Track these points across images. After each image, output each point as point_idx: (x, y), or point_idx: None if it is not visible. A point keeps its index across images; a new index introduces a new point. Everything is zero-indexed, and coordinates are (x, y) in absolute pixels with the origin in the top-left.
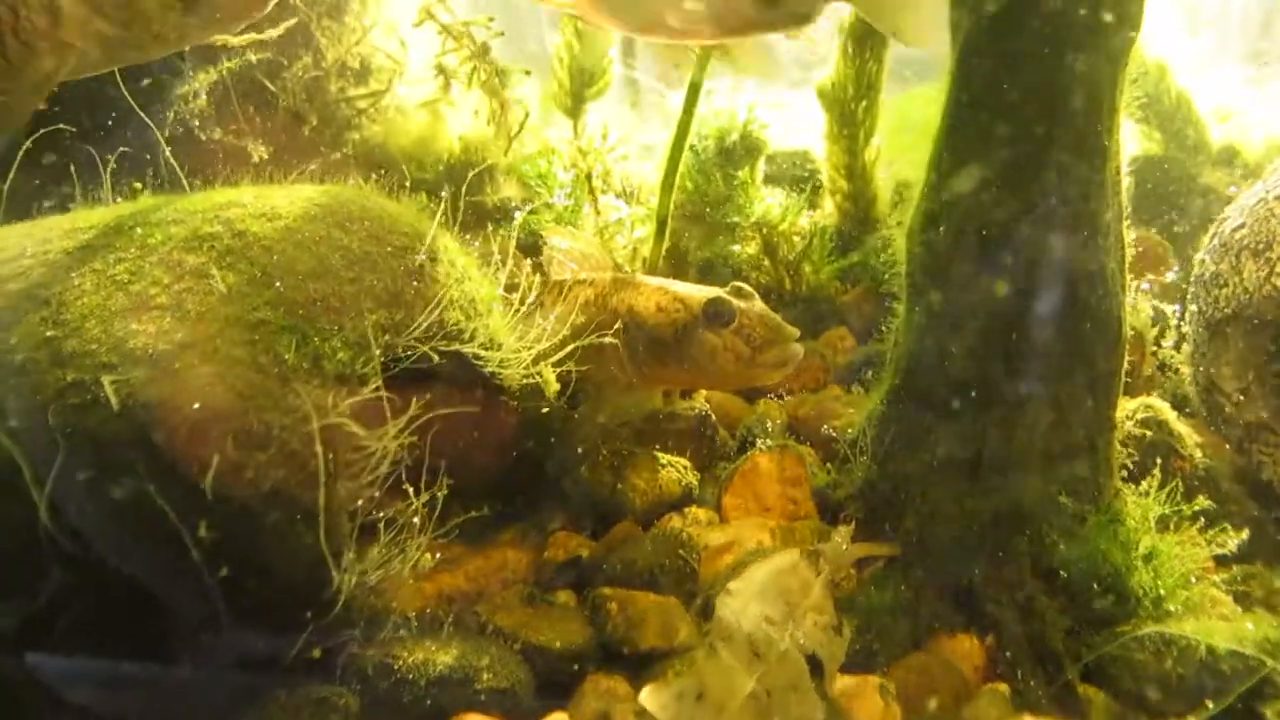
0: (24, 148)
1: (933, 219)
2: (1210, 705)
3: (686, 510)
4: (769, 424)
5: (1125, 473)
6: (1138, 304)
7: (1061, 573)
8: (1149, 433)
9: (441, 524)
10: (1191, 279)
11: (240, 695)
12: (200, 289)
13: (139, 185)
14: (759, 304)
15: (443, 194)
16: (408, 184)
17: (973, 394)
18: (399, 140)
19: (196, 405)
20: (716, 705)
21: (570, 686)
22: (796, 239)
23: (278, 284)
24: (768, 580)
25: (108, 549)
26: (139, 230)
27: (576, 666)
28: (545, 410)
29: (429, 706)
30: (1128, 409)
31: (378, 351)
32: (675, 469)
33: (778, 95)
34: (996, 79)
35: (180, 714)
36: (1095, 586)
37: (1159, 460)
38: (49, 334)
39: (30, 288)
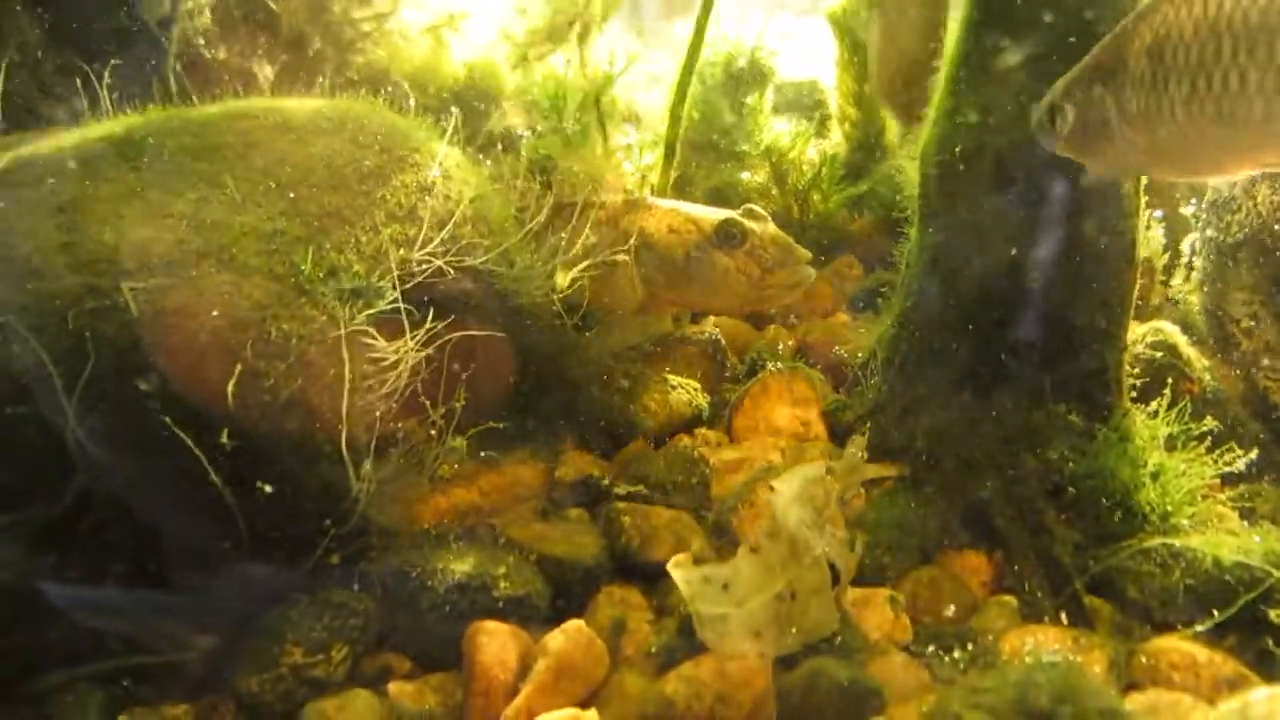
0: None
1: (947, 142)
2: (1216, 615)
3: (697, 431)
4: (779, 347)
5: (1134, 394)
6: (1150, 231)
7: (1070, 489)
8: (1158, 355)
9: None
10: (1204, 204)
11: (260, 600)
12: (215, 198)
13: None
14: (771, 226)
15: (453, 110)
16: (413, 103)
17: (983, 315)
18: (403, 65)
19: (215, 313)
20: (739, 598)
21: (585, 597)
22: (805, 167)
23: (291, 195)
24: (802, 487)
25: (127, 454)
26: (151, 140)
27: (590, 578)
28: (557, 329)
29: (447, 612)
30: (1138, 332)
31: (393, 265)
32: (686, 391)
33: (785, 24)
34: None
35: (201, 618)
36: (1103, 502)
37: (1168, 382)
38: (66, 240)
39: (45, 195)
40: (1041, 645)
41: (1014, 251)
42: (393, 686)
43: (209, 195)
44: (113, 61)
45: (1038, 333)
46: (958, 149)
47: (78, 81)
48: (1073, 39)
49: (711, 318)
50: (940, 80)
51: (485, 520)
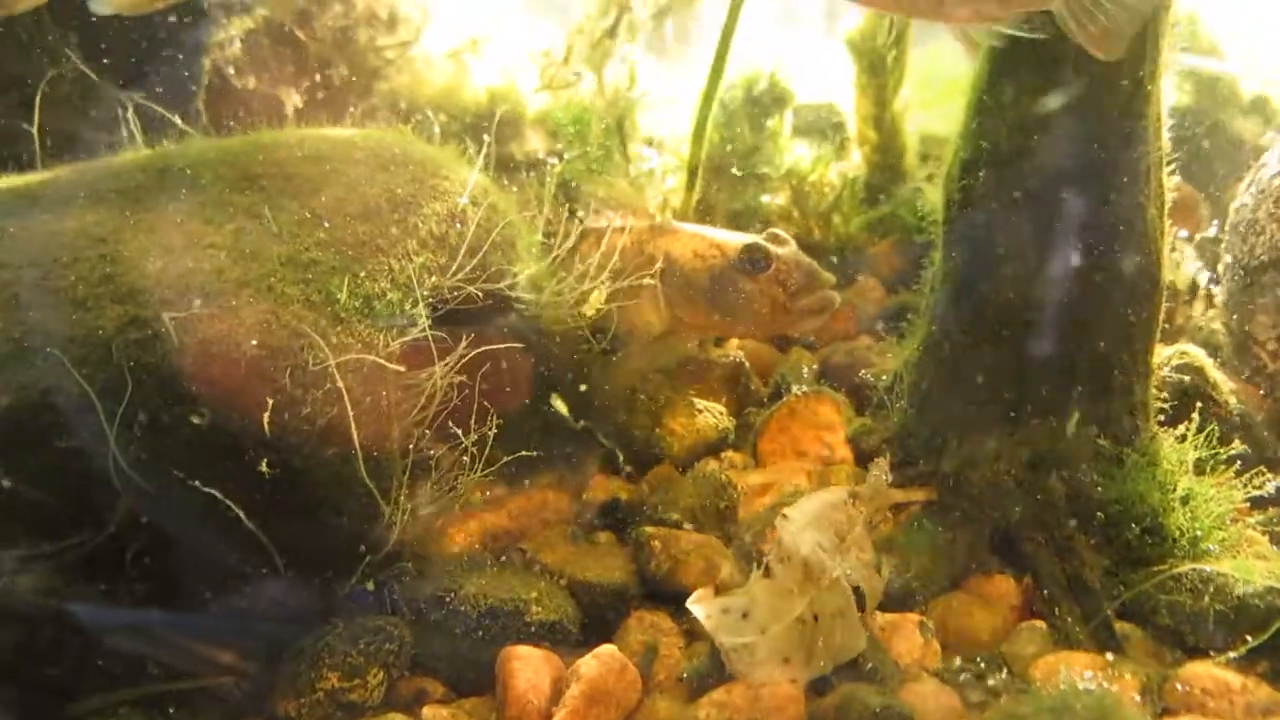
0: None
1: (971, 165)
2: (1250, 640)
3: (723, 454)
4: (804, 371)
5: (1161, 417)
6: (1176, 253)
7: (1099, 514)
8: (1185, 379)
9: (488, 464)
10: (1227, 226)
11: (299, 624)
12: (252, 228)
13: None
14: (795, 250)
15: (485, 138)
16: (438, 132)
17: (1010, 339)
18: (425, 90)
19: (254, 342)
20: (760, 624)
21: (615, 621)
22: (826, 190)
23: (327, 224)
24: (819, 511)
25: (169, 482)
26: (189, 170)
27: (620, 602)
28: (584, 354)
29: (480, 637)
30: (1163, 355)
31: (425, 293)
32: (711, 414)
33: (799, 47)
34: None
35: (242, 643)
36: (1133, 527)
37: (1196, 406)
38: (108, 270)
39: (86, 226)
40: (1075, 671)
41: (1039, 276)
42: (427, 711)
43: (247, 225)
44: (147, 91)
45: (1064, 357)
46: (981, 174)
47: (117, 111)
48: (1097, 60)
49: (734, 341)
50: (965, 104)
51: (514, 544)
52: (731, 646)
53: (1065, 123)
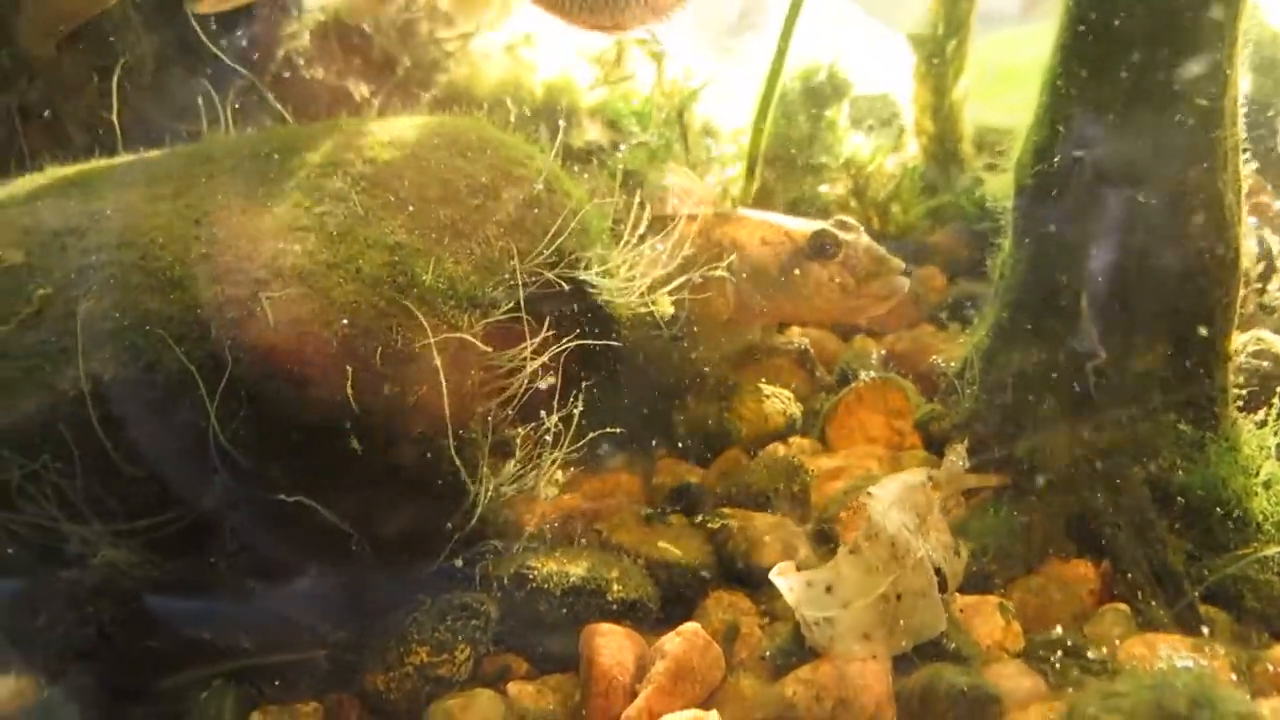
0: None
1: (1045, 150)
2: None
3: (791, 440)
4: (871, 357)
5: (1239, 403)
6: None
7: (1179, 498)
8: (1263, 365)
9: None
10: None
11: (388, 599)
12: (339, 211)
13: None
14: (864, 236)
15: (560, 123)
16: (512, 118)
17: (1085, 326)
18: (484, 83)
19: (345, 321)
20: (843, 600)
21: (694, 601)
22: (885, 179)
23: (410, 208)
24: (901, 492)
25: (263, 459)
26: (276, 156)
27: (699, 582)
28: (654, 339)
29: (563, 615)
30: (1239, 342)
31: (506, 276)
32: (779, 399)
33: (852, 39)
34: (1116, 3)
35: (331, 617)
36: (1216, 511)
37: (1276, 391)
38: (205, 251)
39: (182, 208)
40: (1172, 651)
41: (1115, 260)
42: (512, 687)
43: (334, 209)
44: (228, 80)
45: (1141, 342)
46: (1056, 159)
47: (196, 99)
48: (1174, 43)
49: (796, 327)
50: (1038, 87)
51: (590, 524)
52: (813, 620)
53: (1143, 105)
